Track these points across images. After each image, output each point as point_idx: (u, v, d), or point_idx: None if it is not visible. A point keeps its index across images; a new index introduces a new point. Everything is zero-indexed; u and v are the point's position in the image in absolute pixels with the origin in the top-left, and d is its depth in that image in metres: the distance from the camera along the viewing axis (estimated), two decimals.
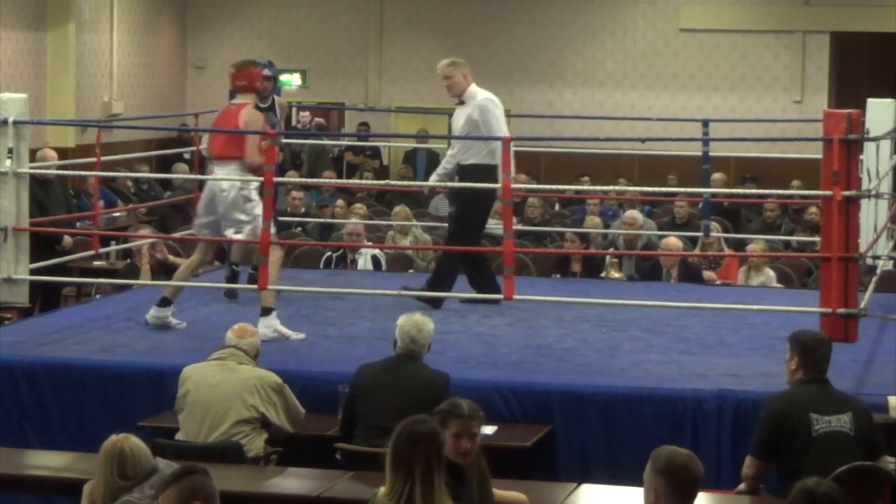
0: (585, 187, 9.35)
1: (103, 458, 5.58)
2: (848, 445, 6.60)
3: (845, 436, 6.64)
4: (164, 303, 9.28)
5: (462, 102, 10.08)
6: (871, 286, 9.00)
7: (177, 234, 12.51)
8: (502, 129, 9.99)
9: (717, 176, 17.62)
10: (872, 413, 6.91)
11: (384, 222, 14.05)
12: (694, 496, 4.99)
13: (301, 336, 9.02)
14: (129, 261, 12.40)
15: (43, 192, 11.04)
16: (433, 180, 10.46)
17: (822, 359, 6.86)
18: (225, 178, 9.21)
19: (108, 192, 16.84)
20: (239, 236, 9.23)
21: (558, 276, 12.40)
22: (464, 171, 10.01)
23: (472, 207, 10.04)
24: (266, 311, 9.00)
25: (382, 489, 5.18)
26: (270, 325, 8.94)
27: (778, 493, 6.73)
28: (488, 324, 9.61)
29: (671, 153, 15.23)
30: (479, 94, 10.06)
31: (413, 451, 5.12)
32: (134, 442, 5.64)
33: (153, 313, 9.28)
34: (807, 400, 6.71)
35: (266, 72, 10.07)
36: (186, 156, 18.15)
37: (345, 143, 20.75)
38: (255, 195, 9.15)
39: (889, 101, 11.85)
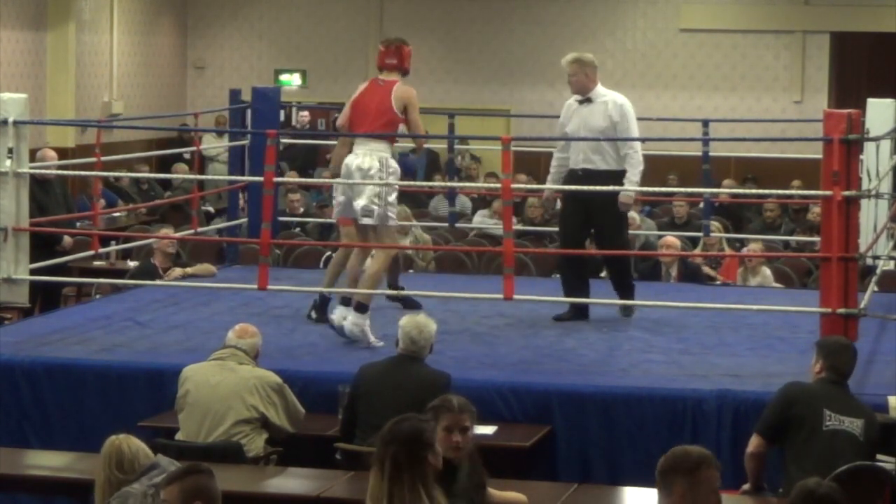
0: (585, 188, 9.26)
1: (103, 456, 5.65)
2: (855, 448, 6.60)
3: (854, 438, 6.64)
4: (362, 308, 8.74)
5: (588, 100, 9.66)
6: (871, 286, 9.00)
7: (178, 234, 12.50)
8: (637, 133, 9.74)
9: (726, 182, 17.65)
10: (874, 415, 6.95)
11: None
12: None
13: (380, 344, 8.58)
14: (147, 260, 12.17)
15: (43, 193, 11.03)
16: (552, 184, 9.86)
17: (844, 364, 6.89)
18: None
19: (109, 192, 16.83)
20: (367, 221, 8.85)
21: (558, 276, 12.39)
22: (611, 178, 9.45)
23: (624, 221, 9.88)
24: (362, 308, 8.71)
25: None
26: (359, 324, 8.70)
27: (777, 483, 6.76)
28: (488, 324, 9.61)
29: (671, 153, 15.21)
30: (615, 95, 9.68)
31: (401, 452, 5.05)
32: (133, 441, 5.69)
33: (353, 320, 8.72)
34: (824, 395, 6.74)
35: None
36: (186, 156, 18.18)
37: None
38: (393, 181, 8.76)
39: (889, 101, 11.88)
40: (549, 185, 9.99)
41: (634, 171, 9.52)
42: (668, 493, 4.71)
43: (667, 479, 4.71)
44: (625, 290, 9.80)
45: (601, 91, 9.68)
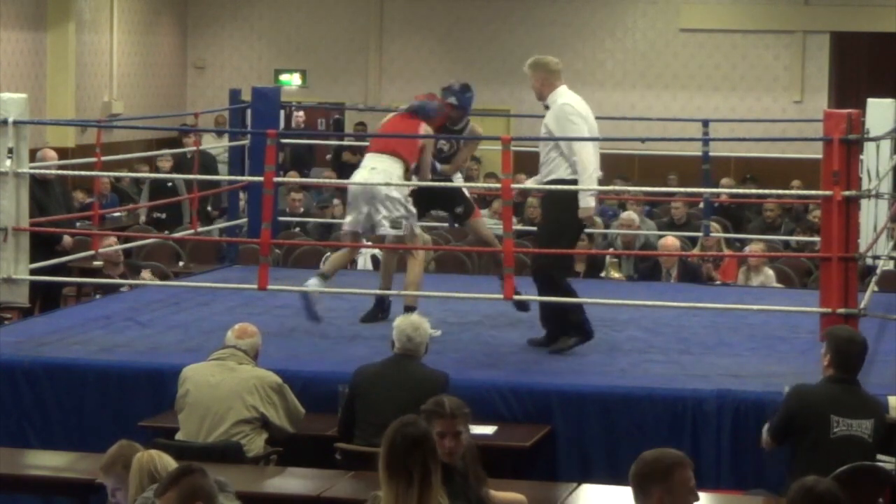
0: (585, 187, 9.18)
1: (134, 471, 5.51)
2: (864, 451, 6.52)
3: (864, 442, 6.56)
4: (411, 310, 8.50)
5: (547, 107, 8.79)
6: (871, 286, 9.00)
7: (178, 234, 12.51)
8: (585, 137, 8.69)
9: (725, 181, 17.66)
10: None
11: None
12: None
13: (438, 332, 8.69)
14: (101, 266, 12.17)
15: (43, 192, 11.03)
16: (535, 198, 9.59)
17: (853, 359, 6.76)
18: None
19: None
20: (396, 232, 9.15)
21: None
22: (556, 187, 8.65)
23: (560, 226, 8.77)
24: (411, 310, 8.47)
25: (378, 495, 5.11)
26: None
27: (781, 491, 6.73)
28: (488, 324, 9.61)
29: (671, 153, 15.22)
30: (559, 98, 8.69)
31: (409, 455, 5.04)
32: (164, 457, 5.60)
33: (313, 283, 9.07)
34: (831, 400, 6.62)
35: (452, 100, 9.53)
36: (187, 156, 18.16)
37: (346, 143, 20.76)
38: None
39: (889, 101, 11.88)
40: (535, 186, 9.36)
41: (583, 178, 8.54)
42: (645, 499, 4.68)
43: (643, 485, 4.68)
44: (544, 292, 8.76)
45: (557, 96, 8.72)
